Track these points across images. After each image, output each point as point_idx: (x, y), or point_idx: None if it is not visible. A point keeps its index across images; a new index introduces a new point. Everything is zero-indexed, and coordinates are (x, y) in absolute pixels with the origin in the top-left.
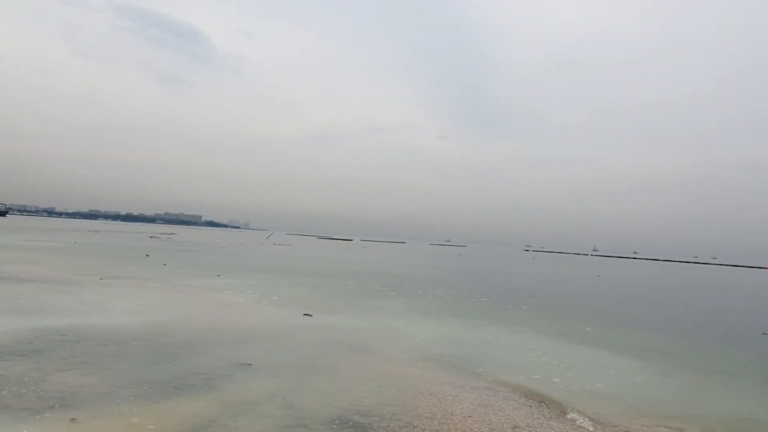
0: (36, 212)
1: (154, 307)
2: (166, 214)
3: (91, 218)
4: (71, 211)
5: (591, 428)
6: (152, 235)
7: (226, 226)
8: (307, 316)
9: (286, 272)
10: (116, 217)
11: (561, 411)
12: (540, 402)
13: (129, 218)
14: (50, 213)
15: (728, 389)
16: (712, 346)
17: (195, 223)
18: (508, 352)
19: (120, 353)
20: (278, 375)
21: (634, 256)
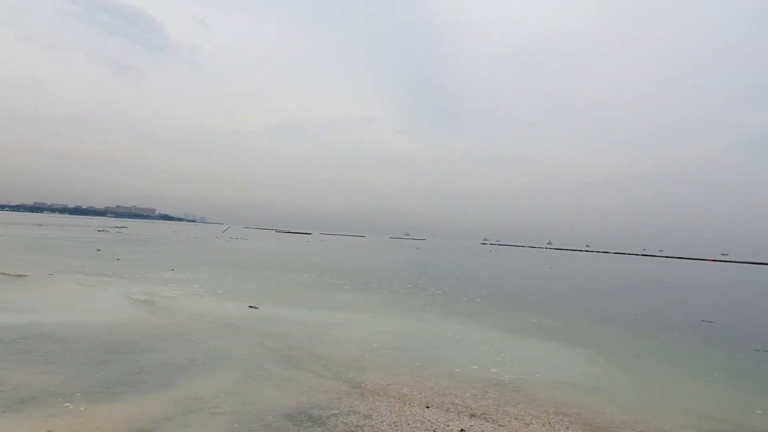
0: None
1: (103, 303)
2: (117, 207)
3: (36, 211)
4: (15, 204)
5: (540, 417)
6: (100, 229)
7: (181, 219)
8: (252, 308)
9: (241, 266)
10: (64, 210)
11: (514, 398)
12: (495, 388)
13: (78, 211)
14: None
15: (666, 374)
16: (656, 335)
17: (148, 217)
18: (461, 344)
19: (67, 351)
20: (231, 370)
21: (586, 249)
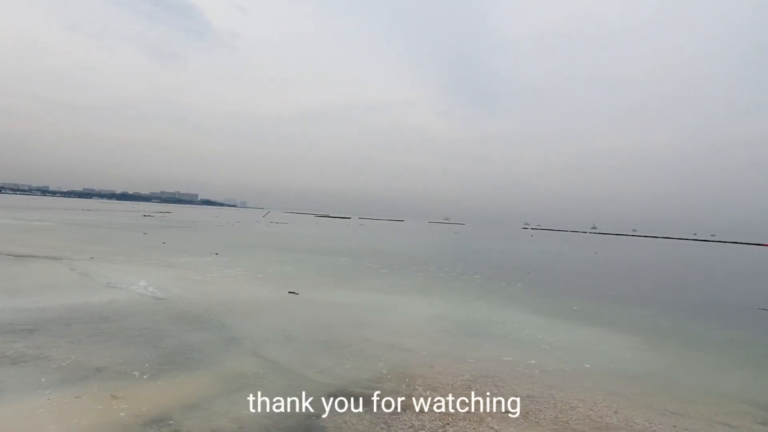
0: (29, 191)
1: (150, 285)
2: (161, 192)
3: (85, 197)
4: (65, 190)
5: (587, 402)
6: (146, 214)
7: (222, 204)
8: (293, 294)
9: (281, 250)
10: (111, 195)
11: (559, 383)
12: (539, 374)
13: (124, 197)
14: (44, 192)
15: (721, 362)
16: (708, 322)
17: (191, 202)
18: (501, 328)
19: (120, 330)
20: (273, 351)
21: (633, 233)
